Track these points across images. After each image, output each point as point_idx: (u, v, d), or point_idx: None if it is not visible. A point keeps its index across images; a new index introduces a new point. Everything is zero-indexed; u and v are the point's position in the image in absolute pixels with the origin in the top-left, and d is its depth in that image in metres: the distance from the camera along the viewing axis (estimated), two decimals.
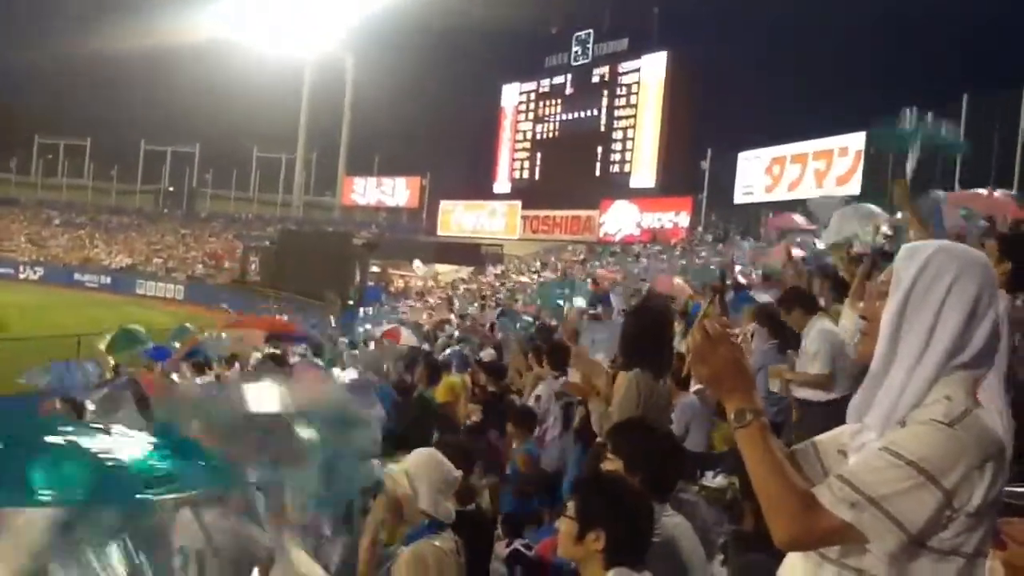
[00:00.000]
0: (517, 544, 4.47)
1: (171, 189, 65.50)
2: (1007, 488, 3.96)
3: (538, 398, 6.94)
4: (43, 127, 65.00)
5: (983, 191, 9.35)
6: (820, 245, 10.44)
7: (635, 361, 4.16)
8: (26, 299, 35.17)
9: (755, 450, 1.66)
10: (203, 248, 53.58)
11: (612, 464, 3.08)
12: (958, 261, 1.69)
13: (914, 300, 1.68)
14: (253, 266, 43.10)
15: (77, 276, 48.50)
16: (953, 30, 33.80)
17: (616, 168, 43.50)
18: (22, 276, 48.66)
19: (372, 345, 16.50)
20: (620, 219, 41.29)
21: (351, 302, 33.99)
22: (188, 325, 18.12)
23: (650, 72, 41.95)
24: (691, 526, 3.08)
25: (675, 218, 38.80)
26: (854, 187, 30.02)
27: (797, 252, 10.70)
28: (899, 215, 7.62)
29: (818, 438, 1.88)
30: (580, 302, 12.53)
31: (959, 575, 1.59)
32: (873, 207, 7.12)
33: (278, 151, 63.37)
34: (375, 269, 41.53)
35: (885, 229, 7.72)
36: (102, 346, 14.14)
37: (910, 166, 5.86)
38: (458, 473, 3.64)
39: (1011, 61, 27.46)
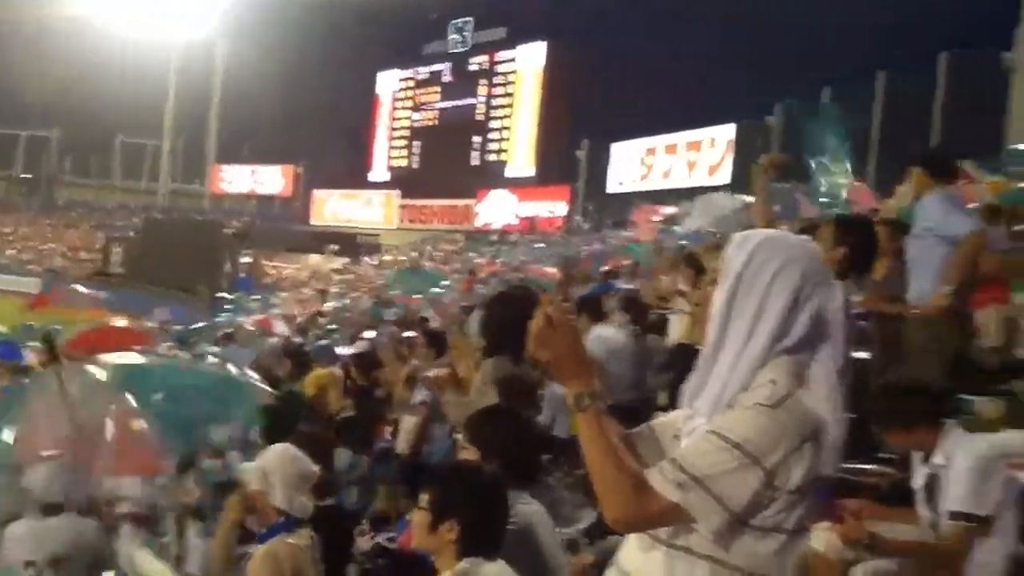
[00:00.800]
0: (380, 538, 4.42)
1: (26, 176, 61.75)
2: (844, 465, 4.18)
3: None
4: None
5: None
6: (680, 231, 10.78)
7: (498, 348, 4.15)
8: None
9: (591, 434, 1.69)
10: (63, 239, 50.84)
11: (468, 453, 3.06)
12: (783, 250, 1.76)
13: (742, 287, 1.74)
14: (116, 257, 41.23)
15: None
16: (815, 28, 35.43)
17: (494, 157, 43.70)
18: None
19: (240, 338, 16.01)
20: (498, 208, 41.54)
21: (222, 293, 32.97)
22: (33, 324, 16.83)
23: (527, 62, 42.29)
24: (546, 512, 3.09)
25: (552, 207, 39.28)
26: (724, 176, 31.16)
27: (668, 242, 11.05)
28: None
29: (654, 422, 1.96)
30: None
31: (781, 550, 1.66)
32: (731, 196, 7.42)
33: (144, 137, 60.66)
34: (247, 259, 40.42)
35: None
36: None
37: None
38: (315, 468, 3.58)
39: (863, 58, 29.05)
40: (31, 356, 14.05)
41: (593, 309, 7.25)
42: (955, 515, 3.32)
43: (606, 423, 1.72)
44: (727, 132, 31.59)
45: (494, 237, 38.23)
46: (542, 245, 24.20)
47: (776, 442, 1.62)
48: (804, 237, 1.92)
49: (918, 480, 3.59)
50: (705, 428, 1.69)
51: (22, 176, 61.58)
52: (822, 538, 3.43)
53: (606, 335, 6.63)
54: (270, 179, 54.90)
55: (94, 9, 53.38)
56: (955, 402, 5.11)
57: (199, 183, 59.53)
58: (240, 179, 56.24)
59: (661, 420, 1.96)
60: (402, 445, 6.83)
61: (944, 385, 4.31)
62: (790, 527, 1.66)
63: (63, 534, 4.24)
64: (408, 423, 6.80)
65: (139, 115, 58.94)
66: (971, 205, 6.09)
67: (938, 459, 3.44)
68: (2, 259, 47.62)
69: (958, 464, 3.35)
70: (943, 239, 4.70)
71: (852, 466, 4.15)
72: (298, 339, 14.87)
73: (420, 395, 6.85)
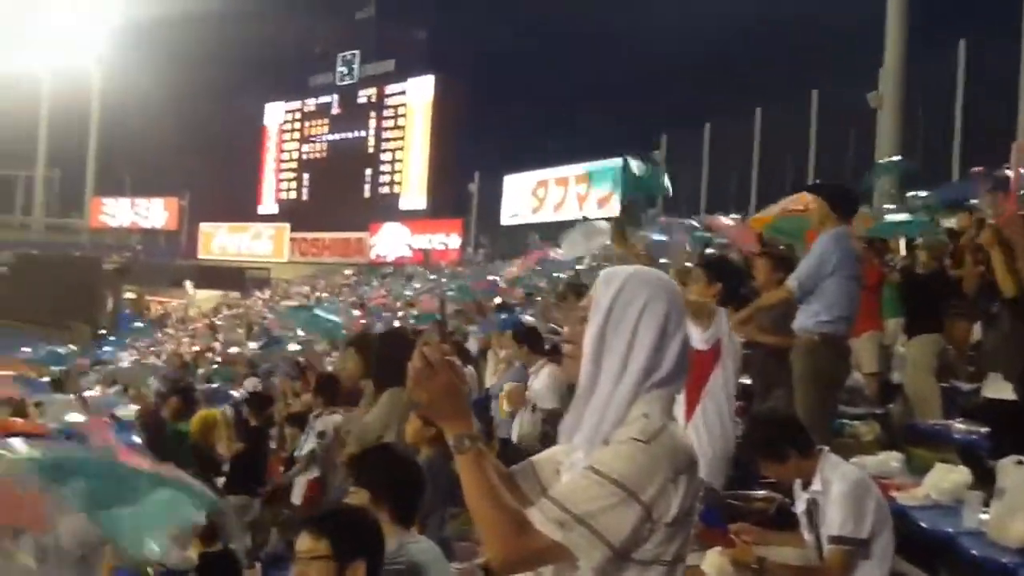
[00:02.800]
0: None
1: None
2: (731, 491, 4.33)
3: (322, 434, 6.77)
4: None
5: (731, 220, 10.13)
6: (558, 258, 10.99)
7: (388, 382, 4.18)
8: None
9: (471, 476, 1.69)
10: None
11: (357, 497, 3.03)
12: (649, 286, 1.80)
13: (612, 323, 1.77)
14: None
15: None
16: (696, 61, 36.82)
17: (386, 190, 43.52)
18: None
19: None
20: (391, 241, 41.31)
21: (102, 331, 31.62)
22: None
23: (417, 95, 42.41)
24: (438, 549, 3.09)
25: (446, 239, 39.33)
26: (614, 209, 31.78)
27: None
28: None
29: (535, 457, 1.97)
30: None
31: None
32: (600, 224, 7.60)
33: (15, 168, 57.76)
34: (130, 295, 38.88)
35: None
36: None
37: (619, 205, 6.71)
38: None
39: (746, 87, 30.32)
40: None
41: (534, 340, 7.32)
42: (834, 539, 3.46)
43: (486, 464, 1.72)
44: (615, 165, 32.32)
45: (388, 270, 37.98)
46: (436, 278, 24.13)
47: (652, 476, 1.64)
48: (664, 274, 1.97)
49: (799, 506, 3.75)
50: (583, 465, 1.71)
51: None
52: (714, 562, 3.55)
53: None
54: (153, 212, 53.05)
55: None
56: (834, 426, 5.41)
57: (77, 216, 56.99)
58: (122, 212, 54.10)
59: (541, 455, 1.97)
60: (297, 499, 6.78)
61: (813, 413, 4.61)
62: (669, 558, 1.69)
63: None
64: (302, 480, 6.76)
65: (10, 145, 56.13)
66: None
67: (816, 485, 3.58)
68: None
69: (834, 490, 3.49)
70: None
71: (740, 492, 4.34)
72: (183, 376, 14.42)
73: (311, 442, 6.80)
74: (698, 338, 4.12)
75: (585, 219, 10.03)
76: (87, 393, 11.49)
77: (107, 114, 55.89)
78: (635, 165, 5.94)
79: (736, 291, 4.96)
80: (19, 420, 5.93)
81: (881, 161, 14.00)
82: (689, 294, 4.38)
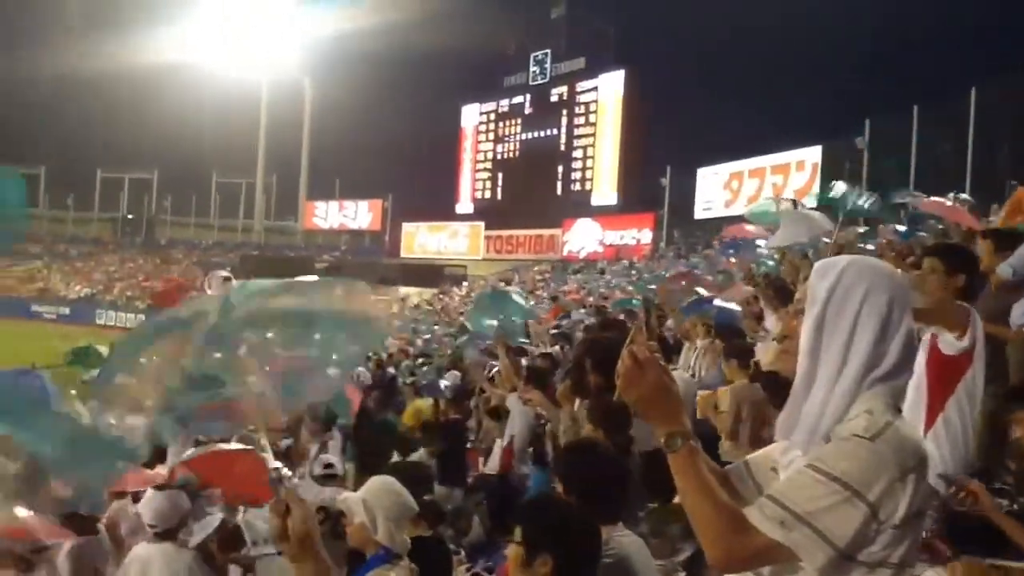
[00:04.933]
0: (477, 568, 4.46)
1: (130, 216, 64.49)
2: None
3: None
4: None
5: (947, 200, 9.47)
6: (764, 250, 10.52)
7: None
8: None
9: (686, 474, 1.67)
10: (164, 276, 52.85)
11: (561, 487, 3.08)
12: (868, 275, 1.72)
13: (829, 316, 1.71)
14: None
15: (35, 308, 47.64)
16: (901, 43, 34.59)
17: (577, 186, 43.75)
18: None
19: None
20: (583, 237, 41.52)
21: None
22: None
23: (607, 91, 42.33)
24: (644, 544, 3.09)
25: (638, 235, 39.08)
26: (811, 200, 30.45)
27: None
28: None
29: (751, 456, 1.91)
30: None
31: None
32: (818, 215, 7.19)
33: (238, 176, 62.80)
34: None
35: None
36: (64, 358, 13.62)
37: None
38: (413, 503, 3.62)
39: (956, 71, 28.17)
40: None
41: (742, 354, 6.11)
42: None
43: (700, 462, 1.68)
44: (813, 154, 30.94)
45: (580, 265, 38.23)
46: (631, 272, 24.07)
47: (877, 474, 1.57)
48: (886, 263, 1.87)
49: None
50: (802, 462, 1.65)
51: (127, 216, 64.34)
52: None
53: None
54: (360, 213, 56.12)
55: (189, 55, 55.76)
56: None
57: (292, 219, 61.20)
58: (331, 214, 57.65)
59: (757, 455, 1.92)
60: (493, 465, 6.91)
61: None
62: (896, 561, 1.61)
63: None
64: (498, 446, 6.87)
65: (233, 155, 61.19)
66: None
67: None
68: (109, 295, 49.88)
69: None
70: None
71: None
72: (390, 370, 15.15)
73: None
74: (951, 343, 3.73)
75: (795, 203, 9.56)
76: None
77: (317, 122, 59.69)
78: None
79: (981, 284, 4.31)
80: None
81: None
82: (921, 292, 3.85)
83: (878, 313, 1.68)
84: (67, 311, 47.42)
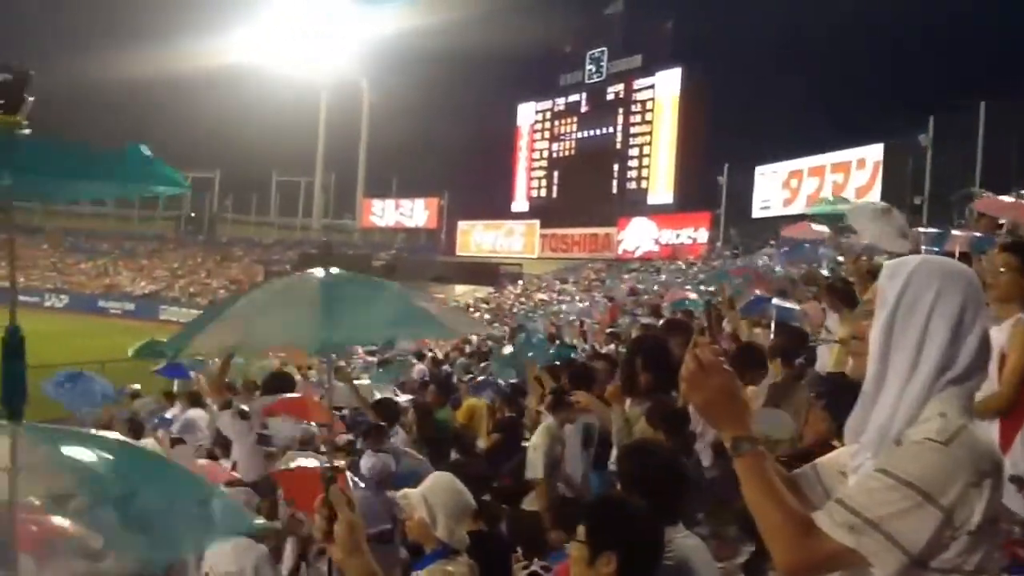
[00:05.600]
0: (535, 566, 4.46)
1: (192, 215, 66.03)
2: None
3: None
4: None
5: (1008, 198, 9.19)
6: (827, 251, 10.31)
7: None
8: (51, 327, 35.50)
9: (752, 479, 1.65)
10: (225, 273, 53.99)
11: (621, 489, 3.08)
12: (940, 276, 1.68)
13: (900, 318, 1.67)
14: None
15: (101, 303, 49.02)
16: (968, 38, 33.69)
17: (633, 185, 43.55)
18: (47, 304, 49.12)
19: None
20: (638, 236, 41.32)
21: None
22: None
23: (664, 88, 42.04)
24: (705, 547, 3.07)
25: (694, 234, 38.77)
26: (873, 199, 29.88)
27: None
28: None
29: (819, 460, 1.88)
30: None
31: None
32: (882, 206, 6.94)
33: (297, 175, 63.85)
34: None
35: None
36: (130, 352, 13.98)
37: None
38: (472, 500, 3.64)
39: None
40: (199, 378, 14.93)
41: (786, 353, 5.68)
42: None
43: (766, 466, 1.65)
44: (875, 152, 30.34)
45: (635, 264, 38.04)
46: (691, 270, 23.86)
47: (951, 479, 1.52)
48: (959, 263, 1.82)
49: None
50: (873, 466, 1.61)
51: (189, 215, 65.84)
52: None
53: None
54: (416, 212, 56.61)
55: (249, 58, 56.85)
56: None
57: (350, 217, 61.97)
58: (388, 212, 58.25)
59: (825, 458, 1.88)
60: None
61: None
62: (971, 568, 1.56)
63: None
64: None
65: (293, 154, 62.22)
66: None
67: None
68: (173, 292, 51.13)
69: None
70: None
71: None
72: (446, 367, 15.26)
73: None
74: None
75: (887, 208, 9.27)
76: (358, 382, 12.37)
77: (374, 122, 60.40)
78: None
79: None
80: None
81: None
82: (992, 290, 3.59)
83: (950, 314, 1.64)
84: (132, 307, 48.73)
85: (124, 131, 64.79)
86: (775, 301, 7.90)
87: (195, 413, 9.64)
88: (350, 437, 6.61)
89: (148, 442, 7.59)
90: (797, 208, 32.74)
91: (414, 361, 16.03)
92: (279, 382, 7.57)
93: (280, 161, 63.01)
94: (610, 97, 44.67)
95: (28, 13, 68.08)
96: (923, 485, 1.53)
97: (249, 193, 64.51)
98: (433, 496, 3.41)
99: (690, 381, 1.72)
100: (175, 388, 14.39)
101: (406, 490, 3.71)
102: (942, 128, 25.79)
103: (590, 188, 43.91)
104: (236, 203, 65.42)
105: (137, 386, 15.38)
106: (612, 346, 10.56)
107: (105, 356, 21.99)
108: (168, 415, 11.15)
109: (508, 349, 11.92)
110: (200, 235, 64.03)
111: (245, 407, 6.02)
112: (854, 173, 31.14)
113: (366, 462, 5.25)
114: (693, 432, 4.00)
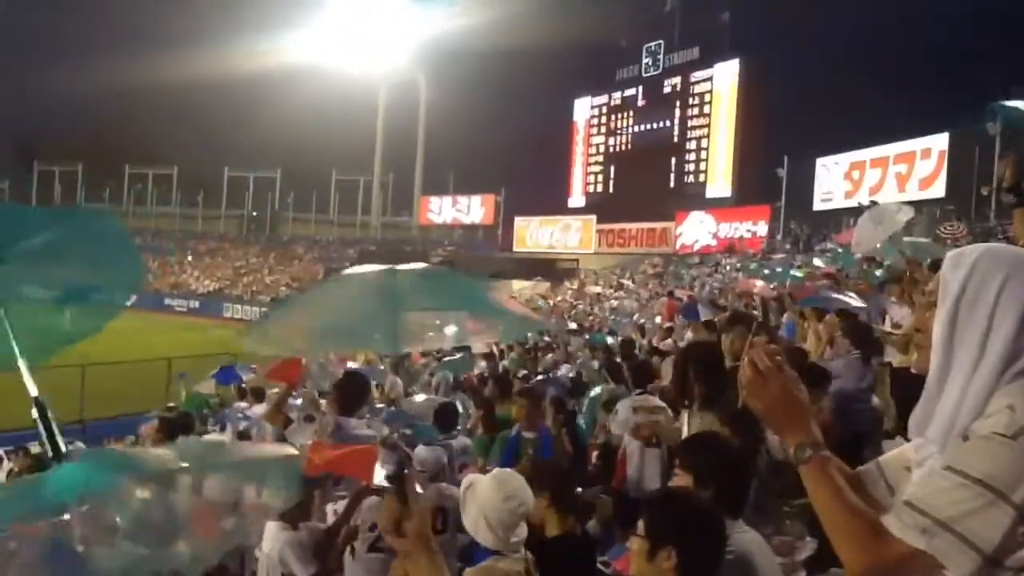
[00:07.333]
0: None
1: (255, 214, 67.27)
2: None
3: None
4: (132, 157, 67.85)
5: None
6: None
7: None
8: (119, 324, 36.33)
9: (818, 484, 1.62)
10: (287, 271, 54.90)
11: (682, 479, 3.04)
12: (1005, 264, 1.62)
13: (964, 308, 1.62)
14: None
15: (167, 301, 50.22)
16: None
17: (691, 179, 43.09)
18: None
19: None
20: (696, 230, 40.89)
21: None
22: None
23: (722, 80, 41.50)
24: (765, 542, 3.04)
25: (753, 227, 38.22)
26: (938, 190, 29.17)
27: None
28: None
29: (884, 456, 1.84)
30: None
31: None
32: (889, 206, 6.74)
33: (356, 173, 64.58)
34: None
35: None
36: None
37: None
38: (531, 496, 3.60)
39: None
40: (251, 376, 15.31)
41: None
42: None
43: (832, 470, 1.62)
44: (940, 142, 29.55)
45: (694, 259, 37.66)
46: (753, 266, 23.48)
47: (1023, 475, 1.46)
48: (1019, 249, 1.73)
49: None
50: (940, 464, 1.57)
51: (252, 214, 67.11)
52: None
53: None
54: (473, 208, 56.84)
55: (308, 58, 57.66)
56: None
57: (408, 215, 62.50)
58: (445, 209, 58.60)
59: (889, 455, 1.84)
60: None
61: None
62: None
63: None
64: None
65: (352, 153, 62.97)
66: None
67: None
68: (236, 290, 52.16)
69: None
70: None
71: None
72: (504, 363, 15.30)
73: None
74: None
75: (873, 203, 9.07)
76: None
77: (431, 119, 60.82)
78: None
79: None
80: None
81: None
82: None
83: (1017, 304, 1.58)
84: (196, 304, 49.83)
85: (188, 132, 66.39)
86: (834, 294, 7.82)
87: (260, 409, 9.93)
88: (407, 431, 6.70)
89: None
90: (859, 200, 32.11)
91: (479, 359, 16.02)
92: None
93: (339, 160, 63.90)
94: (667, 90, 44.26)
95: (101, 15, 70.07)
96: (994, 482, 1.48)
97: (309, 192, 65.47)
98: (484, 508, 3.37)
99: (749, 388, 1.69)
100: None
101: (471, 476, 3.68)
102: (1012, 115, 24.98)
103: (647, 182, 43.56)
104: (297, 202, 66.47)
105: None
106: (669, 340, 10.50)
107: (172, 353, 22.60)
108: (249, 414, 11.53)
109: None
110: (262, 233, 65.19)
111: (312, 412, 6.13)
112: (918, 163, 30.39)
113: (420, 454, 5.41)
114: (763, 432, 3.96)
